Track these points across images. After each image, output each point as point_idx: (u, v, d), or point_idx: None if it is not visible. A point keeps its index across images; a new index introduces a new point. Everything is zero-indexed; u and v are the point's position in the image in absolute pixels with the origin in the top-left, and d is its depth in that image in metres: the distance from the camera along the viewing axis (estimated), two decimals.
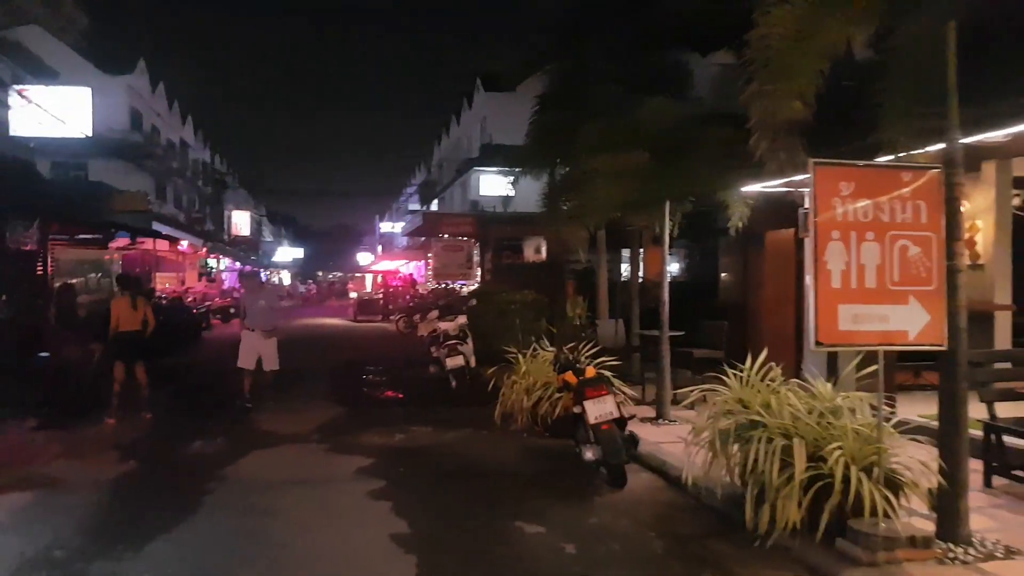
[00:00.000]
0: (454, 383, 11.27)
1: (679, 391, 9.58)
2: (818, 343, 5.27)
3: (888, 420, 5.59)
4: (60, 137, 28.19)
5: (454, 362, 11.17)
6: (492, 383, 10.04)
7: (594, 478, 6.86)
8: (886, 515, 4.90)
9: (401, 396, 12.05)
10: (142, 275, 28.40)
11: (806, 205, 10.33)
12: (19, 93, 20.09)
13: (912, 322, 5.38)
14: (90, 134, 21.01)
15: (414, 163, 62.05)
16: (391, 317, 29.82)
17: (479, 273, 25.76)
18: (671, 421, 9.09)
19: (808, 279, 9.32)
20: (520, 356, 9.64)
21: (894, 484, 5.24)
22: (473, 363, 11.75)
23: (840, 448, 5.22)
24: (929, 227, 5.41)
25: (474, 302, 12.99)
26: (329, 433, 9.25)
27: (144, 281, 20.61)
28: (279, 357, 11.08)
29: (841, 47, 5.35)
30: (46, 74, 23.17)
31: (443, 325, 12.26)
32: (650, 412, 9.40)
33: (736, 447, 5.94)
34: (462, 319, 12.20)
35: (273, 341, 10.91)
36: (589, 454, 6.71)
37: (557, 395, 8.48)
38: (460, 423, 9.64)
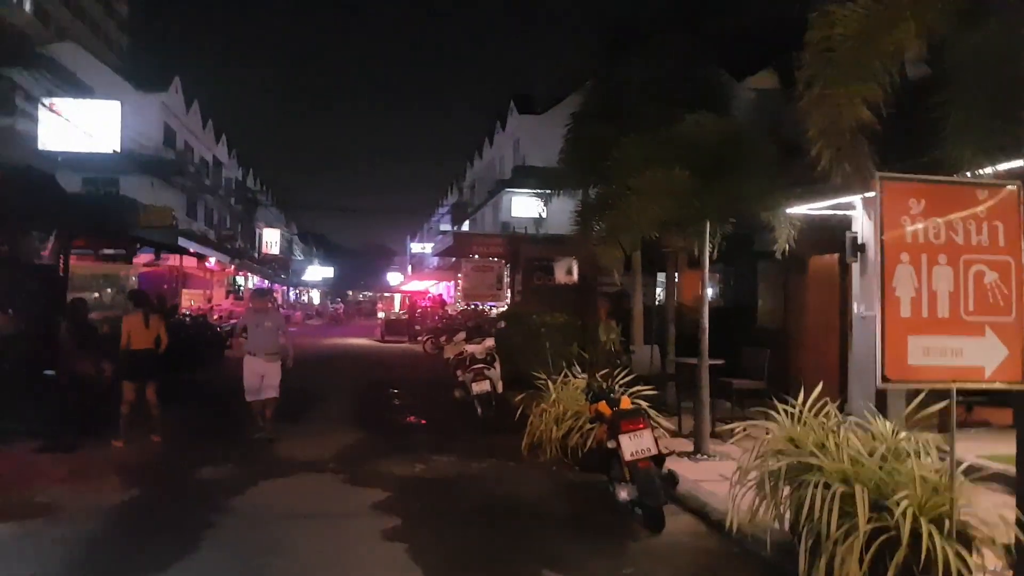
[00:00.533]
0: (480, 409, 10.76)
1: (719, 424, 9.03)
2: (885, 379, 4.72)
3: (945, 462, 5.00)
4: (91, 153, 28.42)
5: (480, 387, 10.66)
6: (520, 410, 9.52)
7: (629, 520, 6.30)
8: (959, 574, 4.32)
9: (424, 422, 11.56)
10: (167, 291, 28.42)
11: (854, 229, 9.76)
12: (49, 107, 20.15)
13: (988, 357, 4.81)
14: (119, 149, 20.94)
15: (446, 183, 62.05)
16: (419, 338, 29.44)
17: (509, 295, 25.31)
18: (710, 456, 8.48)
19: (857, 308, 8.71)
20: (550, 383, 9.12)
21: (967, 538, 4.65)
22: (500, 388, 11.24)
23: (907, 497, 4.64)
24: (1007, 250, 4.87)
25: (503, 324, 12.50)
26: (346, 461, 8.77)
27: (167, 298, 20.43)
28: (282, 384, 10.30)
29: (910, 48, 4.84)
30: (79, 89, 23.33)
31: (470, 348, 11.77)
32: (687, 446, 8.81)
33: (787, 491, 5.38)
34: (490, 342, 11.71)
35: (277, 366, 10.15)
36: (624, 494, 6.16)
37: (589, 426, 7.94)
38: (485, 453, 9.12)
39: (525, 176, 36.15)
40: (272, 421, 10.11)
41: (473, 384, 10.71)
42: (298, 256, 72.91)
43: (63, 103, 20.28)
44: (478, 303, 29.15)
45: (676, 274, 12.67)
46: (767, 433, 5.85)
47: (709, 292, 16.22)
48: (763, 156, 7.93)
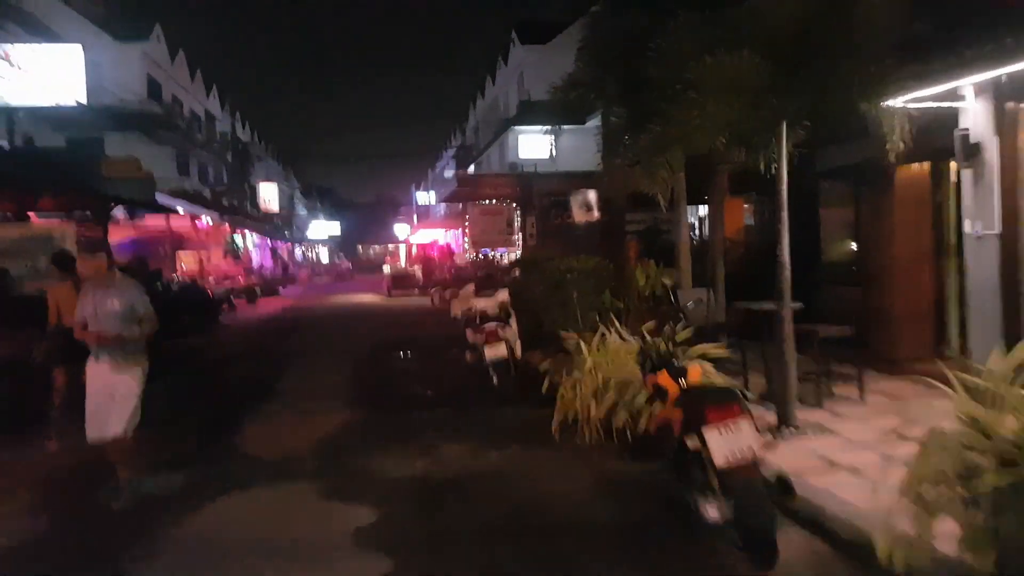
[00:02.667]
0: (495, 378, 8.82)
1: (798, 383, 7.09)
2: None
3: None
4: (69, 108, 26.33)
5: (494, 352, 8.70)
6: (547, 381, 7.58)
7: (716, 542, 4.38)
8: None
9: (429, 394, 9.62)
10: (158, 255, 26.56)
11: (963, 125, 7.63)
12: (3, 56, 18.00)
13: None
14: (83, 100, 18.79)
15: (450, 128, 59.45)
16: (428, 290, 27.56)
17: (521, 239, 23.25)
18: (799, 430, 6.52)
19: (971, 225, 6.59)
20: (583, 343, 7.14)
21: None
22: (519, 351, 9.31)
23: None
24: None
25: (517, 273, 10.47)
26: (330, 457, 6.87)
27: (146, 261, 18.51)
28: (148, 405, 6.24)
29: None
30: (43, 35, 21.10)
31: (480, 303, 9.79)
32: (765, 418, 6.83)
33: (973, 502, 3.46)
34: (503, 295, 9.71)
35: (133, 377, 5.98)
36: (713, 513, 4.22)
37: (644, 403, 5.99)
38: (505, 436, 7.20)
39: (532, 112, 33.75)
40: (127, 473, 5.98)
41: (486, 348, 8.75)
42: (301, 211, 70.74)
43: (17, 50, 18.06)
44: (488, 250, 27.12)
45: (720, 202, 10.59)
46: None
47: (754, 223, 14.21)
48: (870, 25, 5.77)
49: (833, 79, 5.96)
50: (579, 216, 13.53)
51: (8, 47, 17.95)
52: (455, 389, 9.65)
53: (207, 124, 45.26)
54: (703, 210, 18.40)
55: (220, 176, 45.09)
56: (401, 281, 30.84)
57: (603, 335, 7.29)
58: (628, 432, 6.32)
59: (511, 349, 8.77)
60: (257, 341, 16.23)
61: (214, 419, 8.47)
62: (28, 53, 18.25)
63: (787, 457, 5.73)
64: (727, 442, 4.14)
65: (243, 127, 53.94)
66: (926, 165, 9.17)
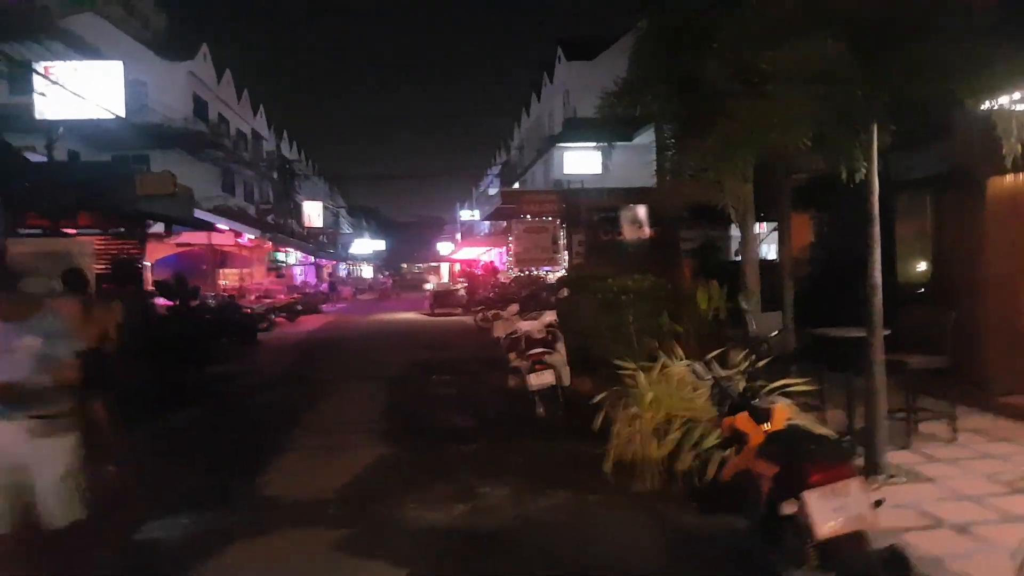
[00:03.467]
0: (541, 408, 8.03)
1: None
2: None
3: None
4: (107, 124, 26.44)
5: (541, 380, 7.92)
6: (600, 415, 6.77)
7: None
8: None
9: (470, 424, 8.86)
10: (199, 272, 26.42)
11: None
12: (44, 73, 17.92)
13: None
14: (122, 114, 18.66)
15: (494, 146, 59.10)
16: (472, 309, 26.91)
17: (566, 257, 22.51)
18: (893, 477, 5.62)
19: None
20: (640, 374, 6.34)
21: None
22: (567, 379, 8.52)
23: None
24: None
25: (565, 292, 9.69)
26: (357, 501, 6.15)
27: (185, 278, 18.20)
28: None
29: None
30: (87, 53, 21.11)
31: (524, 325, 9.03)
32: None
33: None
34: (550, 316, 8.95)
35: (60, 443, 4.19)
36: None
37: (716, 445, 5.17)
38: (554, 478, 6.40)
39: (577, 128, 33.05)
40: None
41: (531, 376, 7.97)
42: (346, 230, 70.99)
43: (58, 67, 17.99)
44: (532, 268, 26.41)
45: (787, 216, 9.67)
46: None
47: (816, 239, 13.22)
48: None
49: (931, 68, 5.10)
50: (629, 233, 12.73)
51: (49, 64, 17.86)
52: (497, 418, 8.88)
53: (253, 143, 45.55)
54: (756, 228, 17.49)
55: (265, 195, 45.25)
56: (444, 299, 30.27)
57: (664, 364, 6.47)
58: (696, 476, 5.49)
59: (558, 376, 7.98)
60: (292, 364, 15.69)
61: (236, 455, 7.83)
62: (68, 70, 18.15)
63: (882, 511, 4.84)
64: (832, 508, 3.31)
65: (290, 147, 54.30)
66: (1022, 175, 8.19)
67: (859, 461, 5.75)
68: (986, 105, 5.54)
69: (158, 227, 18.80)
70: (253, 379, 13.39)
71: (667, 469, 5.74)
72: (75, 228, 16.35)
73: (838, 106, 5.33)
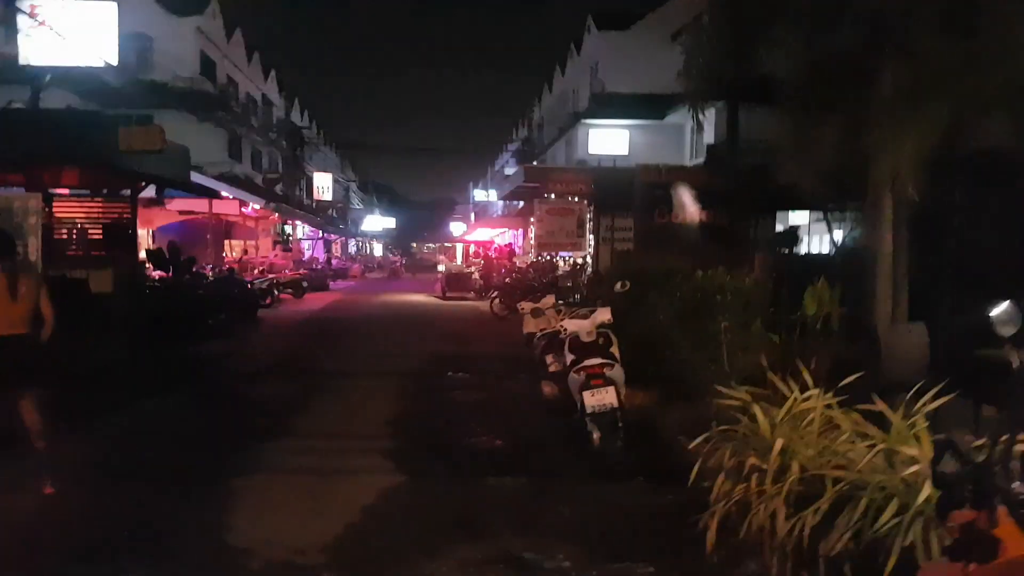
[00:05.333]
0: (596, 434, 6.21)
1: None
2: None
3: None
4: (103, 76, 24.71)
5: (599, 400, 6.08)
6: (698, 461, 4.96)
7: None
8: None
9: (499, 444, 7.05)
10: (204, 241, 24.68)
11: None
12: (29, 12, 16.11)
13: None
14: (115, 62, 16.86)
15: (513, 124, 57.01)
16: (486, 294, 25.10)
17: (592, 243, 20.68)
18: None
19: None
20: (758, 410, 4.52)
21: None
22: (623, 395, 6.68)
23: None
24: None
25: (624, 286, 7.75)
26: (350, 567, 4.38)
27: (180, 248, 16.47)
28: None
29: None
30: None
31: (571, 324, 7.18)
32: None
33: None
34: (603, 315, 7.08)
35: None
36: None
37: (888, 521, 3.36)
38: (627, 546, 4.62)
39: (606, 105, 31.15)
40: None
41: (586, 393, 6.14)
42: (357, 205, 69.15)
43: (45, 5, 16.17)
44: (551, 254, 24.55)
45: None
46: None
47: (946, 231, 11.33)
48: None
49: None
50: (684, 216, 10.86)
51: (35, 1, 16.04)
52: (535, 441, 7.05)
53: (263, 109, 43.68)
54: (793, 217, 15.51)
55: (274, 163, 43.45)
56: (457, 282, 28.45)
57: (796, 399, 4.64)
58: (851, 570, 3.70)
59: (619, 395, 6.16)
60: (290, 349, 13.93)
61: (202, 472, 6.08)
62: (57, 9, 16.30)
63: None
64: None
65: (301, 116, 52.35)
66: None
67: None
68: None
69: (151, 191, 17.12)
70: (244, 365, 11.65)
71: (804, 551, 3.95)
72: (60, 187, 14.72)
73: None
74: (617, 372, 6.32)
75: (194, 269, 19.34)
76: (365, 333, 16.53)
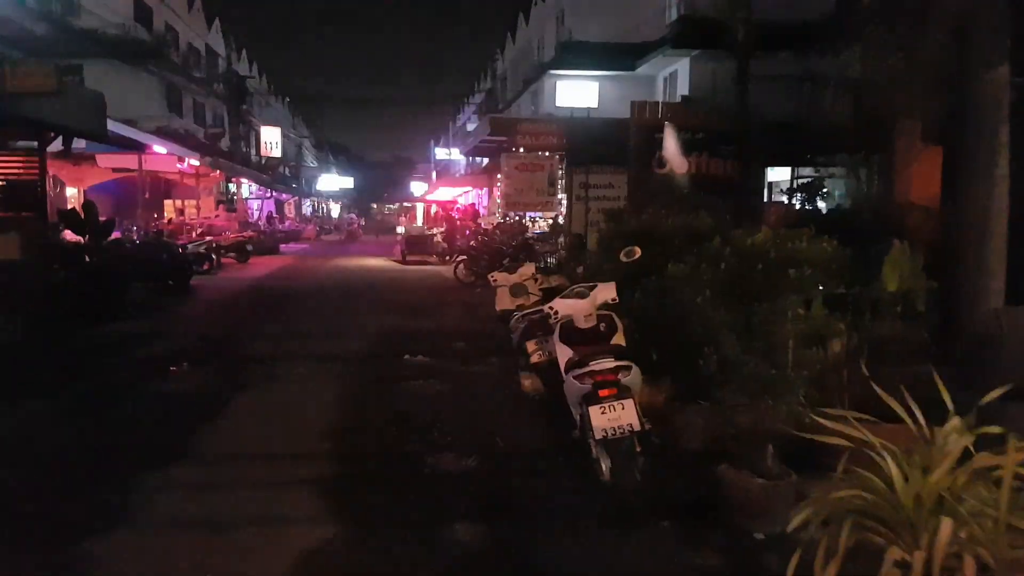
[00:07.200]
0: (605, 467, 4.42)
1: None
2: None
3: None
4: (25, 22, 22.23)
5: (615, 422, 4.19)
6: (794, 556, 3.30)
7: None
8: None
9: (469, 466, 5.30)
10: (139, 203, 22.36)
11: None
12: None
13: None
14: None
15: (473, 78, 54.52)
16: (449, 258, 23.26)
17: (564, 201, 18.88)
18: None
19: None
20: (889, 460, 2.85)
21: None
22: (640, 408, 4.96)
23: None
24: None
25: (636, 254, 5.80)
26: None
27: (94, 209, 14.30)
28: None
29: None
30: None
31: (563, 306, 5.40)
32: None
33: None
34: (605, 293, 5.28)
35: None
36: None
37: None
38: None
39: (575, 54, 29.15)
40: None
41: (593, 410, 4.31)
42: (311, 163, 66.19)
43: None
44: (519, 214, 22.74)
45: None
46: None
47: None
48: None
49: None
50: (684, 165, 9.10)
51: None
52: (518, 464, 5.30)
53: (208, 60, 40.73)
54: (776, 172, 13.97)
55: (221, 120, 40.64)
56: (418, 245, 26.55)
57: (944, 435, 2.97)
58: None
59: (639, 414, 4.39)
60: (219, 326, 12.00)
61: (43, 527, 4.27)
62: None
63: None
64: None
65: (249, 68, 49.20)
66: None
67: None
68: None
69: (59, 144, 14.94)
70: (158, 348, 9.73)
71: None
72: None
73: None
74: (635, 377, 4.59)
75: (118, 232, 17.25)
76: (311, 305, 14.64)
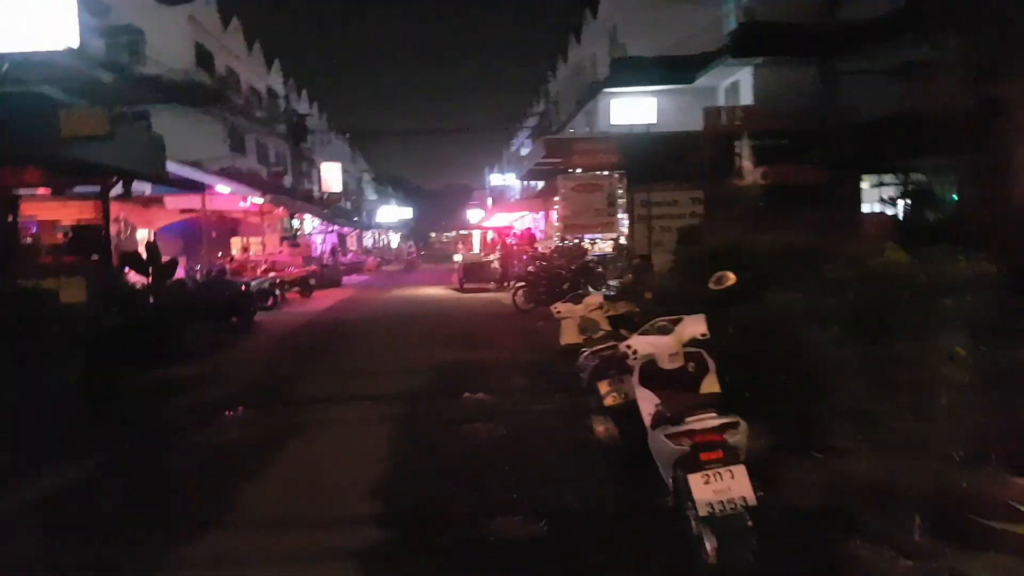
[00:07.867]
0: (712, 545, 3.62)
1: None
2: None
3: None
4: (89, 70, 22.58)
5: (722, 495, 3.34)
6: None
7: None
8: None
9: (539, 531, 4.58)
10: (206, 242, 22.44)
11: None
12: None
13: None
14: (74, 46, 14.50)
15: (527, 101, 54.25)
16: (507, 285, 22.65)
17: (627, 222, 18.08)
18: None
19: None
20: None
21: None
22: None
23: None
24: None
25: (715, 283, 4.92)
26: None
27: (156, 250, 14.13)
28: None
29: None
30: None
31: (641, 344, 4.67)
32: None
33: None
34: (693, 327, 4.51)
35: None
36: None
37: None
38: None
39: (628, 70, 28.36)
40: None
41: (694, 479, 3.44)
42: (371, 196, 66.82)
43: None
44: (576, 237, 21.90)
45: None
46: None
47: None
48: None
49: None
50: (750, 177, 8.31)
51: None
52: (597, 535, 4.55)
53: (268, 101, 41.40)
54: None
55: (283, 157, 41.16)
56: (475, 273, 26.08)
57: None
58: None
59: (752, 482, 3.56)
60: (275, 367, 11.58)
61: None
62: None
63: None
64: None
65: (310, 107, 49.88)
66: None
67: None
68: None
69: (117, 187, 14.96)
70: (210, 393, 9.33)
71: None
72: (23, 187, 12.88)
73: None
74: (742, 436, 3.80)
75: (182, 272, 17.19)
76: (370, 340, 14.17)
